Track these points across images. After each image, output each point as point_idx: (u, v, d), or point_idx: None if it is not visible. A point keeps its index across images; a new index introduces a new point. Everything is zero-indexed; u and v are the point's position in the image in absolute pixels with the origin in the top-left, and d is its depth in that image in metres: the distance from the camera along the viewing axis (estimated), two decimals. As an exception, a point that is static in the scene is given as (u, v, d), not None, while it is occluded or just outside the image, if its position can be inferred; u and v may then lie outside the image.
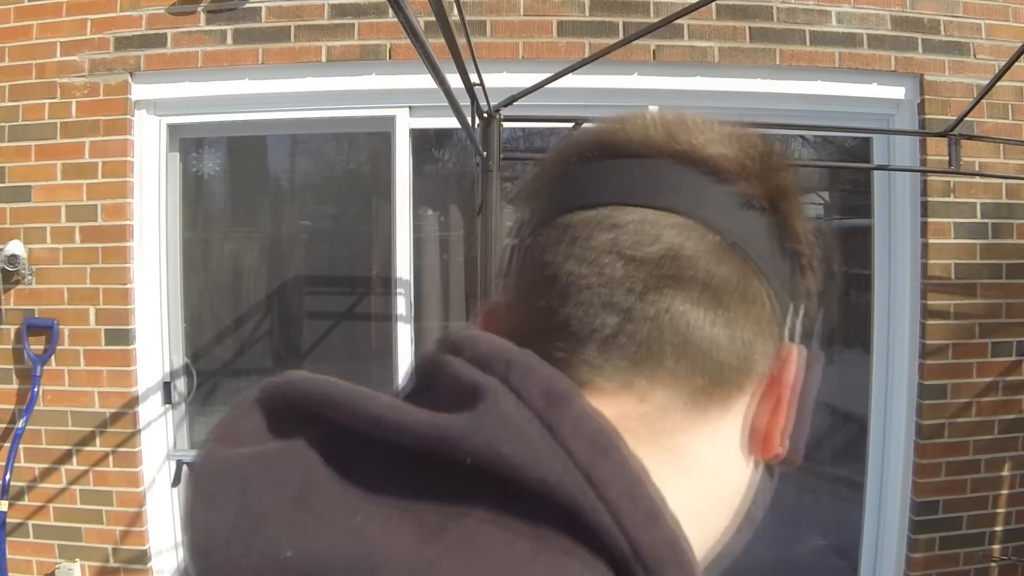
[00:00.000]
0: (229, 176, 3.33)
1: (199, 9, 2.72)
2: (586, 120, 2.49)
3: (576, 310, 0.38)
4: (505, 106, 2.24)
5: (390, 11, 1.24)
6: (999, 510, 2.79)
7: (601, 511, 0.31)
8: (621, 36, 2.64)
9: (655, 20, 2.34)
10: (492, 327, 0.41)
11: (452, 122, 2.22)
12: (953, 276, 2.76)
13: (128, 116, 2.74)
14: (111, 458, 2.71)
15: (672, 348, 0.38)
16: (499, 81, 2.43)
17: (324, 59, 2.70)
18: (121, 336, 2.71)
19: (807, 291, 0.43)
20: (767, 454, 0.42)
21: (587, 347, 0.38)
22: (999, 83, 2.33)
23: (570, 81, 2.31)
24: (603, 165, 0.42)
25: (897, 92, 2.79)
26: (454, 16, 2.04)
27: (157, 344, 2.84)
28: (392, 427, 0.33)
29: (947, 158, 2.56)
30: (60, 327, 2.71)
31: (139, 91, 2.76)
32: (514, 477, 0.31)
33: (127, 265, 2.72)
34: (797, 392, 0.41)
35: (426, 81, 1.59)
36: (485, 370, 0.34)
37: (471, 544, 0.30)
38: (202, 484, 0.35)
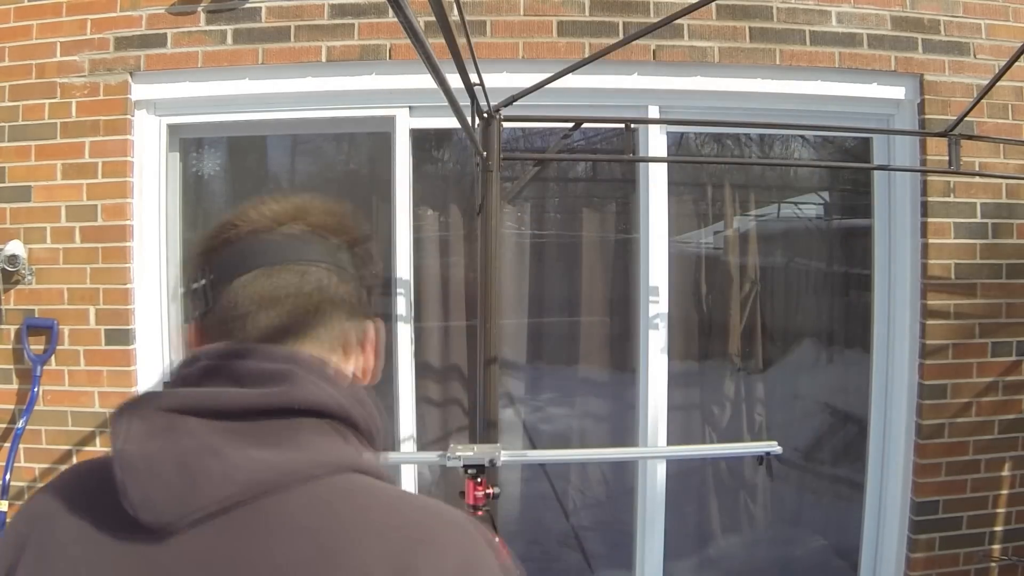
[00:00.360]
0: (229, 176, 3.33)
1: (199, 9, 2.72)
2: (586, 120, 2.49)
3: (286, 322, 0.69)
4: (505, 106, 2.25)
5: (390, 11, 1.24)
6: (999, 510, 2.79)
7: (351, 413, 0.67)
8: (621, 36, 2.64)
9: (655, 20, 2.34)
10: (199, 344, 0.72)
11: (452, 122, 2.22)
12: (953, 276, 2.76)
13: (128, 116, 2.74)
14: (111, 458, 2.70)
15: (333, 336, 0.72)
16: (499, 81, 2.44)
17: (324, 59, 2.70)
18: (121, 336, 2.71)
19: (374, 287, 0.78)
20: (369, 377, 0.79)
21: (304, 342, 0.70)
22: (999, 83, 2.33)
23: (570, 81, 2.32)
24: (244, 244, 0.70)
25: (897, 92, 2.79)
26: (454, 16, 2.04)
27: (157, 344, 2.84)
28: (231, 400, 0.62)
29: (947, 158, 2.56)
30: (60, 327, 2.71)
31: (139, 91, 2.76)
32: (321, 409, 0.65)
33: (127, 265, 2.72)
34: (381, 343, 0.79)
35: (426, 81, 1.59)
36: (281, 362, 0.66)
37: (307, 442, 0.62)
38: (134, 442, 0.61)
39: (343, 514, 0.59)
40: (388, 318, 2.87)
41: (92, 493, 0.62)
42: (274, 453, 0.60)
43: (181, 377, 0.68)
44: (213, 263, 0.71)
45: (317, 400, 0.64)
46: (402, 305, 2.84)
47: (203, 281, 0.71)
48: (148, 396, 0.64)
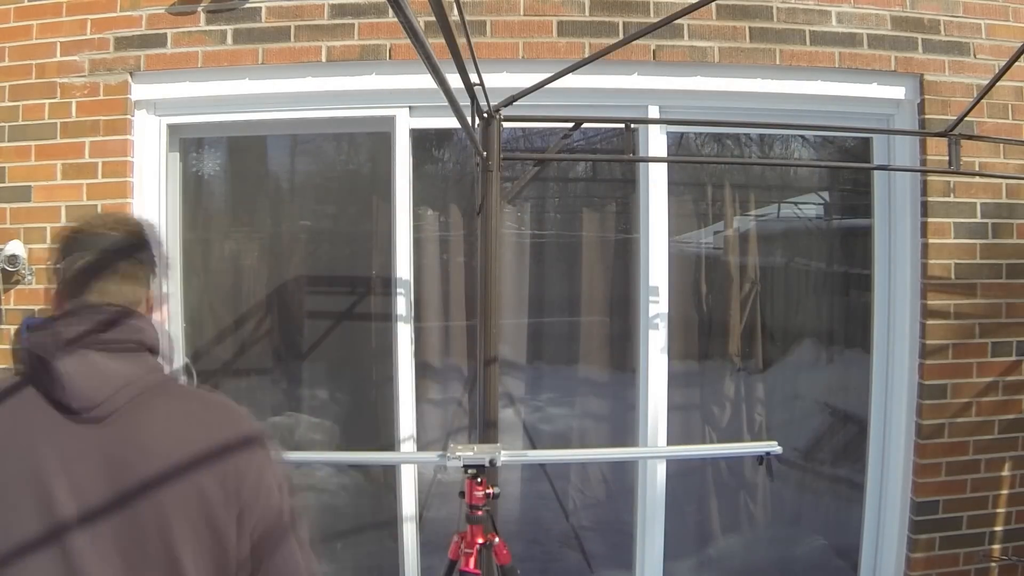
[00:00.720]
0: (229, 176, 3.33)
1: (199, 9, 2.72)
2: (586, 120, 2.49)
3: (111, 295, 1.07)
4: (505, 106, 2.25)
5: (390, 11, 1.24)
6: (999, 510, 2.79)
7: (162, 345, 1.09)
8: (621, 36, 2.64)
9: (655, 20, 2.34)
10: (59, 303, 1.07)
11: (452, 122, 2.22)
12: (953, 276, 2.76)
13: (128, 116, 2.74)
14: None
15: (141, 298, 1.09)
16: (499, 81, 2.44)
17: (324, 59, 2.70)
18: (121, 336, 2.70)
19: (157, 270, 1.13)
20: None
21: (130, 301, 1.07)
22: (999, 83, 2.33)
23: (570, 81, 2.32)
24: (87, 238, 1.09)
25: (897, 92, 2.79)
26: (454, 16, 2.04)
27: (157, 344, 2.83)
28: (115, 343, 1.03)
29: (947, 158, 2.56)
30: (60, 327, 2.71)
31: (139, 91, 2.76)
32: (151, 345, 1.07)
33: (127, 265, 2.72)
34: (159, 302, 1.13)
35: (426, 81, 1.60)
36: (134, 319, 1.06)
37: (144, 361, 1.05)
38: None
39: (171, 398, 1.06)
40: (388, 318, 2.87)
41: (18, 401, 1.01)
42: (133, 367, 1.03)
43: (71, 324, 1.02)
44: (66, 251, 1.09)
45: (152, 340, 1.08)
46: (402, 305, 2.84)
47: (60, 263, 1.08)
48: (67, 339, 1.01)
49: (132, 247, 1.10)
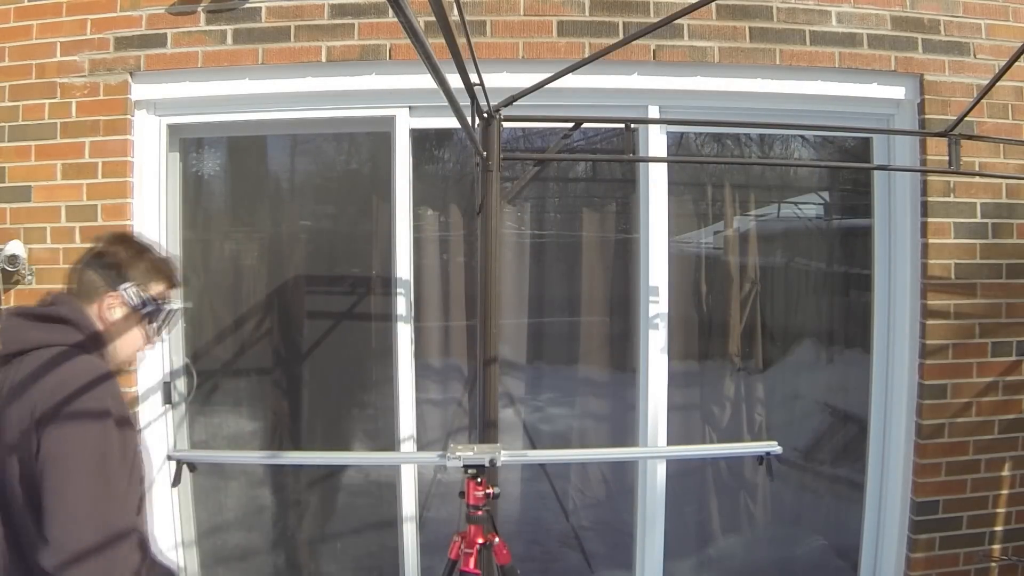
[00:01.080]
0: (229, 176, 3.33)
1: (199, 9, 2.72)
2: (586, 120, 2.49)
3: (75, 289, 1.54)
4: (505, 106, 2.24)
5: (390, 11, 1.24)
6: (999, 510, 2.79)
7: (79, 323, 1.47)
8: (621, 36, 2.64)
9: (655, 20, 2.34)
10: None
11: (452, 122, 2.22)
12: (953, 276, 2.76)
13: (128, 116, 2.74)
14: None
15: (91, 299, 1.52)
16: (499, 81, 2.44)
17: (324, 59, 2.70)
18: (121, 336, 2.70)
19: (107, 278, 1.53)
20: (105, 319, 1.55)
21: (81, 299, 1.53)
22: (999, 83, 2.33)
23: (570, 81, 2.32)
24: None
25: (897, 92, 2.79)
26: (454, 16, 2.04)
27: (157, 344, 2.83)
28: (40, 313, 1.48)
29: (947, 158, 2.56)
30: (60, 327, 2.71)
31: (139, 91, 2.76)
32: (75, 324, 1.46)
33: (127, 265, 2.72)
34: (107, 308, 1.52)
35: (426, 81, 1.60)
36: (67, 302, 1.50)
37: (57, 331, 1.44)
38: None
39: (55, 354, 1.38)
40: (388, 318, 2.87)
41: None
42: (45, 334, 1.42)
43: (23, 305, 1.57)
44: None
45: (69, 316, 1.45)
46: (402, 305, 2.84)
47: None
48: (12, 310, 1.53)
49: (90, 263, 1.53)
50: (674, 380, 2.93)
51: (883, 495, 2.91)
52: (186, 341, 3.01)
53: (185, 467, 2.15)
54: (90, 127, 2.72)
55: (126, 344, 1.55)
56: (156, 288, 1.57)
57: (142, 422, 2.76)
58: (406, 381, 2.86)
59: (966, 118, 2.48)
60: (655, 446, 2.85)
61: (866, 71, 2.76)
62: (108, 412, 1.32)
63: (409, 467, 2.90)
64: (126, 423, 1.37)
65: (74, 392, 1.31)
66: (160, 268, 1.59)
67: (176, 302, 1.66)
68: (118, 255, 1.54)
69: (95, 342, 1.46)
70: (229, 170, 3.33)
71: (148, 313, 1.55)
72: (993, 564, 2.79)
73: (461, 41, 1.47)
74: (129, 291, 1.52)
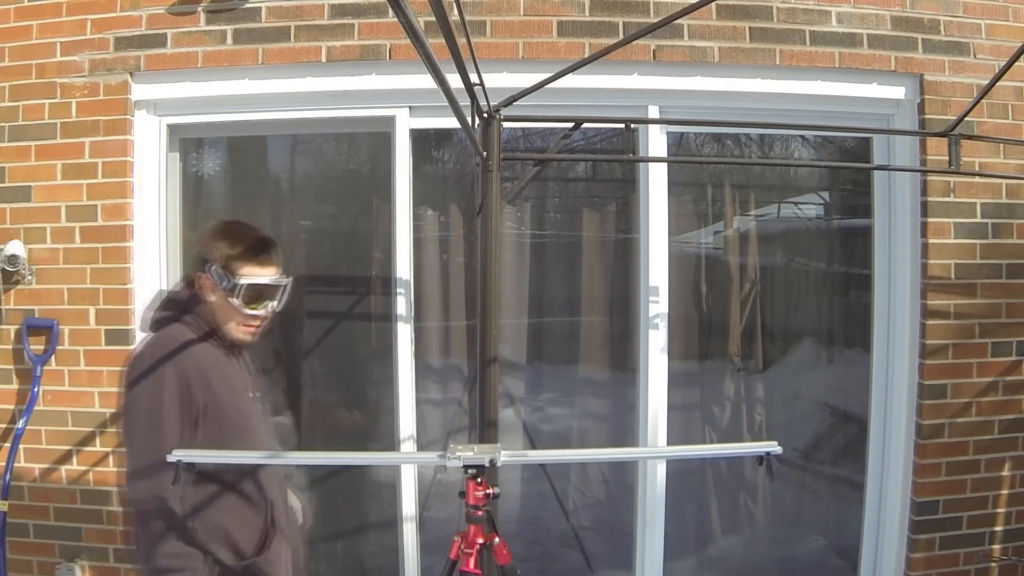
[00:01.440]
0: (229, 176, 3.33)
1: (199, 9, 2.72)
2: (586, 120, 2.49)
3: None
4: (505, 106, 2.24)
5: (390, 11, 1.24)
6: (999, 510, 2.79)
7: (181, 302, 1.85)
8: (621, 36, 2.64)
9: (655, 20, 2.34)
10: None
11: (452, 122, 2.21)
12: (953, 276, 2.76)
13: (128, 116, 2.74)
14: (111, 458, 2.70)
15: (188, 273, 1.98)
16: (499, 81, 2.44)
17: (324, 59, 2.70)
18: (121, 336, 2.71)
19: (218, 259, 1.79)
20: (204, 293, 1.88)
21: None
22: (999, 83, 2.33)
23: (570, 81, 2.31)
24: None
25: (897, 92, 2.79)
26: (454, 16, 2.04)
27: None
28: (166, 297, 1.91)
29: (947, 158, 2.56)
30: (60, 327, 2.72)
31: (139, 91, 2.76)
32: (171, 301, 1.85)
33: (127, 265, 2.72)
34: (207, 285, 1.80)
35: (426, 81, 1.59)
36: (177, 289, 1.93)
37: (165, 314, 1.82)
38: None
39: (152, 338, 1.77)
40: (388, 318, 2.87)
41: None
42: (159, 311, 1.79)
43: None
44: None
45: (171, 295, 1.82)
46: (402, 305, 2.84)
47: None
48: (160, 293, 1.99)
49: (195, 246, 1.86)
50: (674, 380, 2.92)
51: (883, 495, 2.91)
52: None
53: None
54: (90, 127, 2.72)
55: (223, 317, 1.79)
56: (240, 267, 1.76)
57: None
58: (406, 381, 2.86)
59: (966, 118, 2.48)
60: (655, 446, 2.85)
61: (866, 71, 2.75)
62: (163, 373, 1.66)
63: (409, 467, 2.90)
64: (190, 381, 1.68)
65: (136, 356, 1.73)
66: (239, 248, 1.77)
67: (258, 277, 1.79)
68: (204, 239, 1.80)
69: (192, 316, 1.77)
70: (229, 170, 3.33)
71: (229, 288, 1.75)
72: (993, 564, 2.79)
73: (461, 41, 1.47)
74: (213, 271, 1.76)
